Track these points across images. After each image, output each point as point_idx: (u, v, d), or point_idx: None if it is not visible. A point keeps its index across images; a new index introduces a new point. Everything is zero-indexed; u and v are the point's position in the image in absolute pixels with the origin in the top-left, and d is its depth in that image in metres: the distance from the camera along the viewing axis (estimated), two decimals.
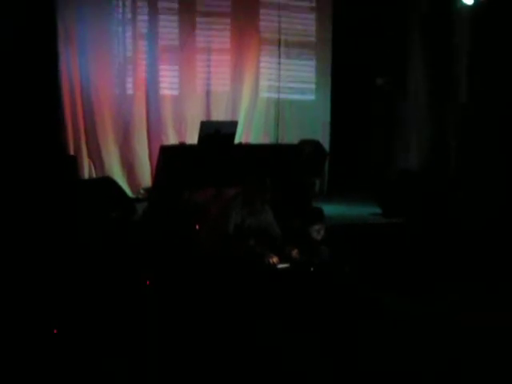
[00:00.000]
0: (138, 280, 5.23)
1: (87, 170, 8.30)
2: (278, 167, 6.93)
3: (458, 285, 5.91)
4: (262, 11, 9.05)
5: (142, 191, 8.37)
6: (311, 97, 9.41)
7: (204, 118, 8.46)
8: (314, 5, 9.31)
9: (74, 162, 7.55)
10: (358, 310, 5.07)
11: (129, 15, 8.44)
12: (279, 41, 9.10)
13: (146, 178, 8.47)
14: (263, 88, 9.13)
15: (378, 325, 4.90)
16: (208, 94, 8.83)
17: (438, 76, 8.89)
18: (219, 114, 8.75)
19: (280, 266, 5.46)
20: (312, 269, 5.41)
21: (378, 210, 7.74)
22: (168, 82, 8.66)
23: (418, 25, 9.02)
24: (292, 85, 9.27)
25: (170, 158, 7.06)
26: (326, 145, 9.09)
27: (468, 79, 8.67)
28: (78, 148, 8.23)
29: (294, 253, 5.58)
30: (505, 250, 6.56)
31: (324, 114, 9.39)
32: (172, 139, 8.52)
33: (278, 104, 9.14)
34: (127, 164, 8.50)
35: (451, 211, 7.41)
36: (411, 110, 9.16)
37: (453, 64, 8.79)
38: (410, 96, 9.18)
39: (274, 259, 5.48)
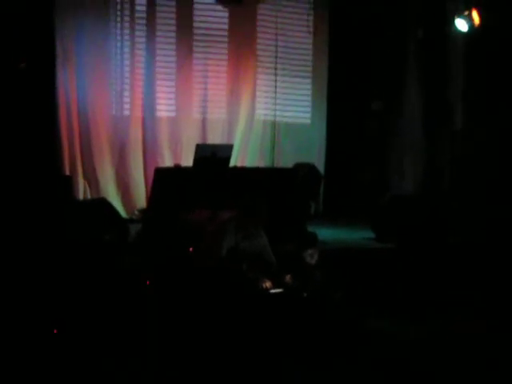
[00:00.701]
0: (131, 298, 5.24)
1: (82, 191, 8.31)
2: (272, 191, 6.94)
3: (452, 310, 5.92)
4: (259, 35, 9.13)
5: (136, 212, 8.37)
6: (307, 120, 9.48)
7: (200, 141, 8.50)
8: (311, 29, 9.39)
9: (69, 183, 7.56)
10: (350, 336, 5.07)
11: (127, 37, 8.51)
12: (276, 64, 9.17)
13: (140, 199, 8.48)
14: (259, 111, 9.19)
15: (370, 350, 4.90)
16: (204, 116, 8.89)
17: (433, 101, 8.97)
18: (215, 137, 8.80)
19: (273, 290, 5.46)
20: (305, 294, 5.40)
21: (371, 235, 7.75)
22: (165, 104, 8.72)
23: (413, 50, 9.11)
24: (288, 108, 9.35)
25: (165, 180, 7.07)
26: (321, 168, 9.13)
27: (462, 105, 8.75)
28: (73, 168, 8.26)
29: (287, 278, 5.57)
30: (498, 273, 6.58)
31: (319, 138, 9.44)
32: (167, 161, 8.55)
33: (274, 127, 9.21)
34: (122, 185, 8.51)
35: (445, 236, 7.43)
36: (406, 136, 9.22)
37: (447, 89, 8.88)
38: (405, 121, 9.24)
39: (267, 284, 5.47)
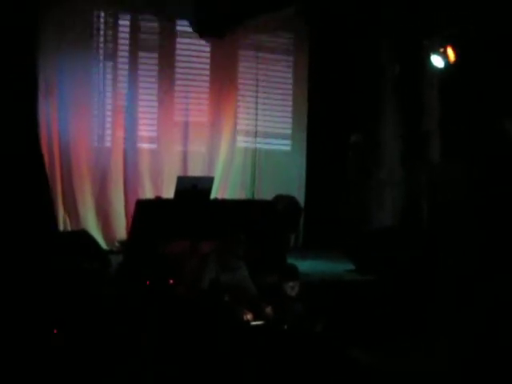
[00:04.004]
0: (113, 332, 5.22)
1: (62, 222, 8.27)
2: (253, 223, 6.98)
3: (432, 342, 5.94)
4: (240, 69, 9.24)
5: (117, 244, 8.34)
6: (287, 153, 9.56)
7: (181, 173, 8.54)
8: (291, 63, 9.54)
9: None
10: (331, 368, 5.07)
11: (109, 70, 8.57)
12: (256, 98, 9.30)
13: (121, 230, 8.46)
14: (240, 144, 9.27)
15: (351, 382, 4.90)
16: (185, 148, 8.93)
17: (411, 134, 9.12)
18: (196, 169, 8.83)
19: (254, 322, 5.47)
20: (286, 326, 5.42)
21: (351, 267, 7.80)
22: (146, 136, 8.76)
23: (390, 84, 9.27)
24: (268, 141, 9.45)
25: (146, 212, 7.08)
26: (301, 200, 9.21)
27: (439, 138, 8.91)
28: (53, 199, 8.18)
29: (268, 310, 5.59)
30: (476, 305, 6.62)
31: (299, 170, 9.52)
32: (148, 192, 8.55)
33: (255, 159, 9.30)
34: (103, 216, 8.49)
35: (425, 268, 7.49)
36: (385, 167, 9.33)
37: (425, 122, 9.04)
38: (384, 153, 9.37)
39: (249, 316, 5.49)
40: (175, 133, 8.92)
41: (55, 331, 4.64)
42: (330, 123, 9.43)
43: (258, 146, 9.33)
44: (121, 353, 4.90)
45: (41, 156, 8.04)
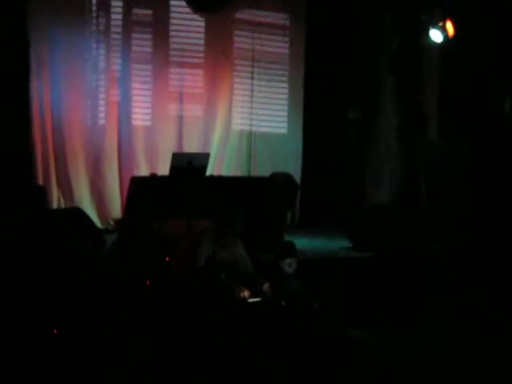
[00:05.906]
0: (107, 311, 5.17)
1: (56, 200, 8.20)
2: (249, 200, 6.93)
3: (428, 320, 5.92)
4: (236, 45, 9.12)
5: (111, 222, 8.29)
6: (283, 130, 9.50)
7: (176, 150, 8.45)
8: (287, 38, 9.39)
9: (42, 193, 7.43)
10: (328, 345, 5.04)
11: (102, 46, 8.43)
12: (252, 74, 9.18)
13: (116, 208, 8.39)
14: (236, 121, 9.18)
15: (347, 361, 4.88)
16: (180, 125, 8.83)
17: (409, 111, 9.05)
18: (191, 146, 8.75)
19: (251, 300, 5.43)
20: (283, 303, 5.38)
21: (348, 244, 7.77)
22: (140, 112, 8.66)
23: (389, 60, 9.19)
24: (264, 118, 9.35)
25: (141, 189, 7.00)
26: (298, 177, 9.15)
27: (438, 114, 8.84)
28: (47, 177, 8.14)
29: (265, 287, 5.55)
30: (474, 283, 6.62)
31: (296, 147, 9.45)
32: (143, 170, 8.48)
33: (251, 136, 9.20)
34: (97, 194, 8.42)
35: (423, 245, 7.48)
36: (382, 144, 9.28)
37: (423, 100, 8.97)
38: (382, 130, 9.31)
39: (246, 293, 5.44)
40: (170, 109, 8.81)
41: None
42: (328, 99, 9.34)
43: (254, 127, 9.21)
44: (117, 334, 4.85)
45: (32, 133, 7.95)
